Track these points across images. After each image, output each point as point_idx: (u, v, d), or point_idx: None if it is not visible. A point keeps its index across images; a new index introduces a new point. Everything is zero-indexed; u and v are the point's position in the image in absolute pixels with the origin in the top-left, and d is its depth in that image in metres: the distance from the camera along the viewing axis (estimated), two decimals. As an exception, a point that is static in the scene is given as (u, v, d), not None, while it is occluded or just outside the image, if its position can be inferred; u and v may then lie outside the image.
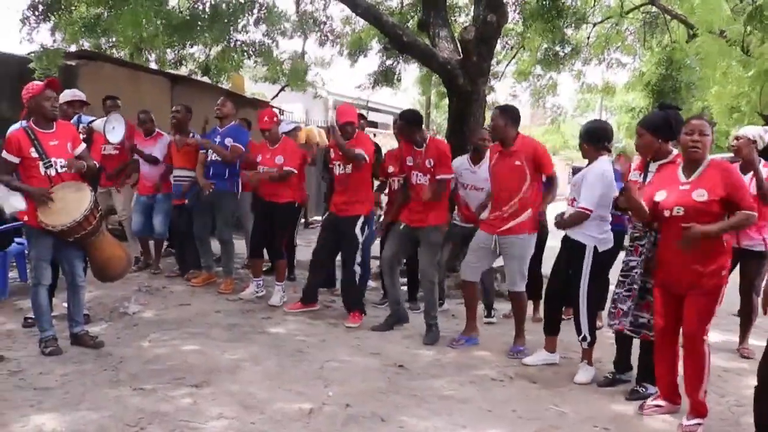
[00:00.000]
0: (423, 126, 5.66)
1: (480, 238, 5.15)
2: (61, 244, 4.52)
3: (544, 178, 5.08)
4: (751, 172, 4.91)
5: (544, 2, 10.34)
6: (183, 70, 13.03)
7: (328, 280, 6.63)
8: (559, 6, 10.43)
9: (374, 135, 10.78)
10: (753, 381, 4.56)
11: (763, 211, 4.78)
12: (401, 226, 5.56)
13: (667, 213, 3.69)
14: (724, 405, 3.81)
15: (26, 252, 5.81)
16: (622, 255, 4.45)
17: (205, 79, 12.44)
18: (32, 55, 8.23)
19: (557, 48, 12.33)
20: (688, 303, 3.68)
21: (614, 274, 4.51)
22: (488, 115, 6.41)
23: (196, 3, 9.44)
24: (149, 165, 7.03)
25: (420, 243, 5.46)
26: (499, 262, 5.38)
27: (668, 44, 11.53)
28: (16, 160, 4.37)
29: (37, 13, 8.08)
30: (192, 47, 11.75)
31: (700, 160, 3.67)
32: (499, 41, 9.71)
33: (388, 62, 12.36)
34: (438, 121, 24.99)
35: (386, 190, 6.34)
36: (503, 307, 6.29)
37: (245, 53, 11.66)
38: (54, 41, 8.49)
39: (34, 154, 4.38)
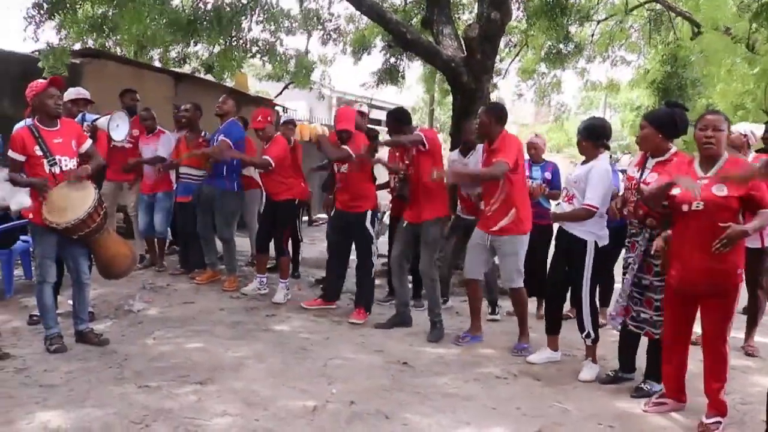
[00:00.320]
0: (411, 123, 5.66)
1: (475, 236, 5.20)
2: (65, 242, 4.53)
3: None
4: None
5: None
6: (186, 68, 13.04)
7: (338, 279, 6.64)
8: (563, 3, 10.41)
9: (377, 134, 10.75)
10: (759, 378, 4.58)
11: None
12: (404, 224, 5.58)
13: (685, 207, 3.60)
14: (729, 402, 3.80)
15: (31, 250, 5.86)
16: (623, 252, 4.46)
17: (209, 77, 12.45)
18: (36, 53, 8.24)
19: (561, 45, 12.30)
20: (706, 305, 3.64)
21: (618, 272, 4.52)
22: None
23: (198, 2, 9.46)
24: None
25: (420, 238, 5.47)
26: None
27: (672, 41, 11.50)
28: (21, 158, 4.38)
29: (41, 12, 8.09)
30: (195, 45, 11.74)
31: (716, 156, 3.62)
32: (502, 39, 9.70)
33: (392, 60, 12.34)
34: (442, 119, 24.96)
35: (389, 188, 6.33)
36: (507, 304, 6.28)
37: (247, 52, 11.66)
38: (60, 39, 8.50)
39: (39, 152, 4.40)
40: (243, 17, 9.22)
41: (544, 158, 6.27)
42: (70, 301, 4.90)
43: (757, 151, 5.44)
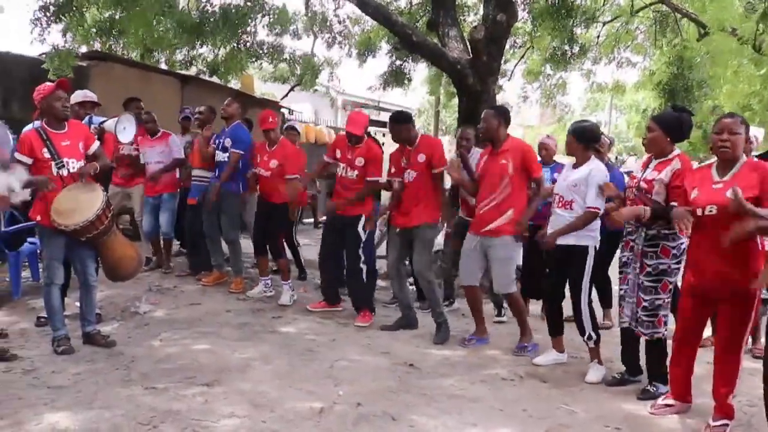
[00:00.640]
0: (412, 125, 5.63)
1: (468, 241, 5.19)
2: (73, 244, 4.55)
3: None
4: None
5: (553, 1, 10.32)
6: (192, 71, 13.09)
7: (337, 281, 6.64)
8: (568, 5, 10.40)
9: (383, 135, 10.76)
10: (765, 381, 4.55)
11: None
12: (396, 231, 5.58)
13: (699, 212, 3.58)
14: (736, 405, 3.79)
15: (39, 252, 5.88)
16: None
17: (214, 79, 12.49)
18: (44, 56, 8.29)
19: (566, 47, 12.29)
20: (722, 310, 3.62)
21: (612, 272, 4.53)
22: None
23: (205, 5, 9.49)
24: (156, 165, 7.03)
25: (414, 243, 5.46)
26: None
27: (679, 43, 11.47)
28: (29, 161, 4.39)
29: (48, 14, 8.14)
30: (201, 47, 11.80)
31: (732, 160, 3.57)
32: (508, 40, 9.70)
33: (398, 62, 12.35)
34: (448, 121, 24.97)
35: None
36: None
37: (253, 54, 11.71)
38: (65, 42, 8.54)
39: (47, 155, 4.42)
40: (250, 19, 9.25)
41: (555, 159, 6.26)
42: (78, 303, 4.92)
43: (758, 156, 5.39)
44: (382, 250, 6.89)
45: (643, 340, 4.25)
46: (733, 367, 3.62)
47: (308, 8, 12.64)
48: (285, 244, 6.93)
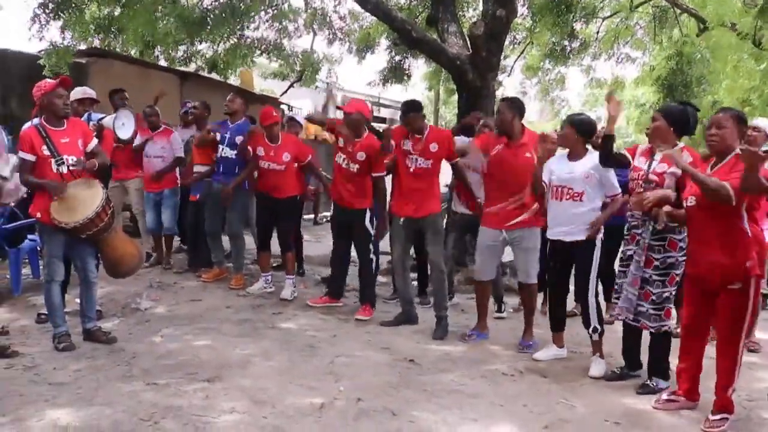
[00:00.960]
0: (419, 111, 5.53)
1: (487, 236, 5.13)
2: (73, 241, 4.55)
3: None
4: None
5: (553, -4, 10.33)
6: (191, 67, 13.08)
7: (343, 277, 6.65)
8: (568, 0, 10.40)
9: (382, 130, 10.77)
10: (764, 374, 4.58)
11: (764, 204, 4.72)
12: (400, 221, 5.55)
13: (685, 204, 3.71)
14: (735, 399, 3.79)
15: (39, 249, 5.88)
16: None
17: (213, 75, 12.49)
18: (42, 53, 8.29)
19: (566, 42, 12.29)
20: (720, 302, 3.64)
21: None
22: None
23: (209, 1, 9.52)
24: (157, 160, 7.04)
25: (425, 233, 5.47)
26: (506, 257, 5.39)
27: (678, 38, 11.48)
28: (32, 158, 4.40)
29: (47, 11, 8.13)
30: (201, 44, 11.81)
31: (721, 152, 3.63)
32: (507, 36, 9.70)
33: (397, 58, 12.35)
34: (447, 117, 24.97)
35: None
36: (512, 301, 6.30)
37: (255, 49, 11.70)
38: (64, 39, 8.54)
39: (46, 152, 4.41)
40: (254, 12, 9.26)
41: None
42: (78, 300, 4.93)
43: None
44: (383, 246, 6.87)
45: (646, 334, 4.26)
46: (731, 359, 3.63)
47: (308, 4, 12.62)
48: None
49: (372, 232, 5.77)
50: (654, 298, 4.09)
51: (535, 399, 4.02)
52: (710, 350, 3.89)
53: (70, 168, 4.48)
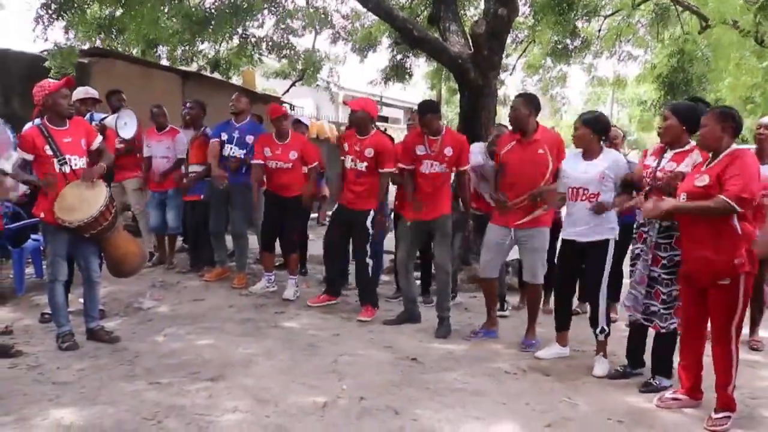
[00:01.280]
0: (435, 112, 5.50)
1: (495, 234, 5.11)
2: (77, 240, 4.57)
3: None
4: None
5: (554, -5, 10.31)
6: (193, 67, 13.09)
7: (341, 275, 6.64)
8: (569, -2, 10.39)
9: (384, 129, 10.76)
10: (765, 373, 4.57)
11: None
12: (408, 224, 5.53)
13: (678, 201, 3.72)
14: (738, 397, 3.80)
15: (42, 248, 5.89)
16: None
17: (216, 75, 12.50)
18: (45, 53, 8.30)
19: (568, 41, 12.27)
20: (710, 297, 3.66)
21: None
22: (500, 109, 6.40)
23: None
24: (162, 160, 7.06)
25: (433, 234, 5.45)
26: (510, 255, 5.38)
27: (680, 36, 11.46)
28: (30, 157, 4.42)
29: (50, 12, 8.15)
30: (203, 43, 11.82)
31: (711, 150, 3.68)
32: (509, 35, 9.69)
33: (399, 57, 12.35)
34: (449, 116, 24.96)
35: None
36: (512, 299, 6.31)
37: (258, 48, 11.72)
38: (67, 39, 8.55)
39: (49, 152, 4.43)
40: (256, 11, 9.28)
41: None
42: (81, 299, 4.94)
43: None
44: (388, 245, 6.88)
45: (650, 333, 4.26)
46: (725, 355, 3.64)
47: (309, 3, 12.63)
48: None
49: (371, 232, 5.75)
50: (664, 297, 4.08)
51: (538, 397, 4.02)
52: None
53: (73, 168, 4.49)
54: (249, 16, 9.49)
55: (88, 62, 8.86)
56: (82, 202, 4.42)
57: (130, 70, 9.62)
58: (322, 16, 12.89)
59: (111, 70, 9.14)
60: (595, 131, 4.53)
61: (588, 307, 4.72)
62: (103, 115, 6.17)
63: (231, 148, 6.54)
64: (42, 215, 4.52)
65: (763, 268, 5.17)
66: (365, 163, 5.64)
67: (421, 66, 13.73)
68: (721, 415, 3.64)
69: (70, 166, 4.49)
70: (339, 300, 6.13)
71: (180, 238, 7.76)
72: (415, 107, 5.97)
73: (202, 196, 6.86)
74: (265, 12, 10.50)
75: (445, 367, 4.52)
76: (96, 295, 4.84)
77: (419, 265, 6.56)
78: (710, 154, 3.73)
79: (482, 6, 9.18)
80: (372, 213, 5.72)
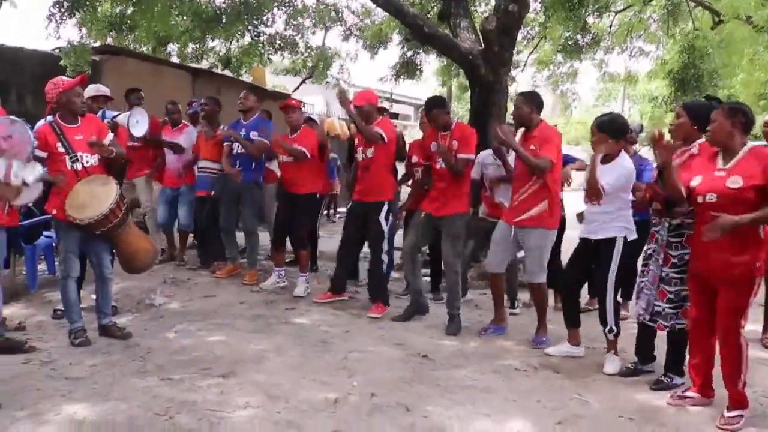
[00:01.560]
0: (443, 107, 5.52)
1: (500, 229, 5.14)
2: (88, 237, 4.59)
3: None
4: None
5: (566, -9, 10.27)
6: (204, 64, 13.14)
7: (352, 272, 6.65)
8: (581, -6, 10.35)
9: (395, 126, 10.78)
10: (779, 371, 4.52)
11: None
12: (422, 215, 5.53)
13: (700, 199, 3.63)
14: (751, 395, 3.77)
15: (55, 245, 5.93)
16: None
17: (226, 72, 12.53)
18: (57, 50, 8.34)
19: (578, 37, 12.22)
20: (720, 295, 3.62)
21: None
22: (510, 105, 6.37)
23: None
24: (174, 156, 7.10)
25: (441, 232, 5.45)
26: (521, 253, 5.37)
27: (691, 32, 11.38)
28: (43, 154, 4.44)
29: (62, 10, 8.20)
30: (213, 41, 11.87)
31: (723, 146, 3.62)
32: (520, 31, 9.66)
33: (409, 54, 12.34)
34: (460, 113, 24.92)
35: (410, 181, 6.31)
36: (524, 296, 6.29)
37: (269, 46, 11.74)
38: (81, 37, 8.61)
39: (61, 149, 4.45)
40: (267, 9, 9.30)
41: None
42: (93, 296, 4.97)
43: None
44: (398, 241, 6.87)
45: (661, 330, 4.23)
46: (735, 352, 3.61)
47: (320, 1, 12.65)
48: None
49: (385, 228, 5.75)
50: (671, 296, 4.05)
51: (549, 394, 4.01)
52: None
53: (85, 165, 4.52)
54: (259, 14, 9.51)
55: (99, 60, 8.90)
56: (93, 199, 4.44)
57: (141, 68, 9.67)
58: (333, 13, 12.88)
59: (122, 67, 9.19)
60: (611, 135, 4.42)
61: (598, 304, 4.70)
62: (115, 113, 6.20)
63: (238, 147, 6.57)
64: (54, 212, 4.55)
65: None
66: (371, 149, 5.68)
67: (431, 62, 13.75)
68: (734, 413, 3.61)
69: (82, 164, 4.51)
70: (346, 297, 6.13)
71: (190, 236, 7.79)
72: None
73: (213, 192, 6.88)
74: (276, 10, 10.51)
75: (456, 364, 4.52)
76: (108, 291, 4.87)
77: (429, 262, 6.56)
78: (720, 150, 3.69)
79: (493, 2, 9.18)
80: (386, 207, 5.72)
